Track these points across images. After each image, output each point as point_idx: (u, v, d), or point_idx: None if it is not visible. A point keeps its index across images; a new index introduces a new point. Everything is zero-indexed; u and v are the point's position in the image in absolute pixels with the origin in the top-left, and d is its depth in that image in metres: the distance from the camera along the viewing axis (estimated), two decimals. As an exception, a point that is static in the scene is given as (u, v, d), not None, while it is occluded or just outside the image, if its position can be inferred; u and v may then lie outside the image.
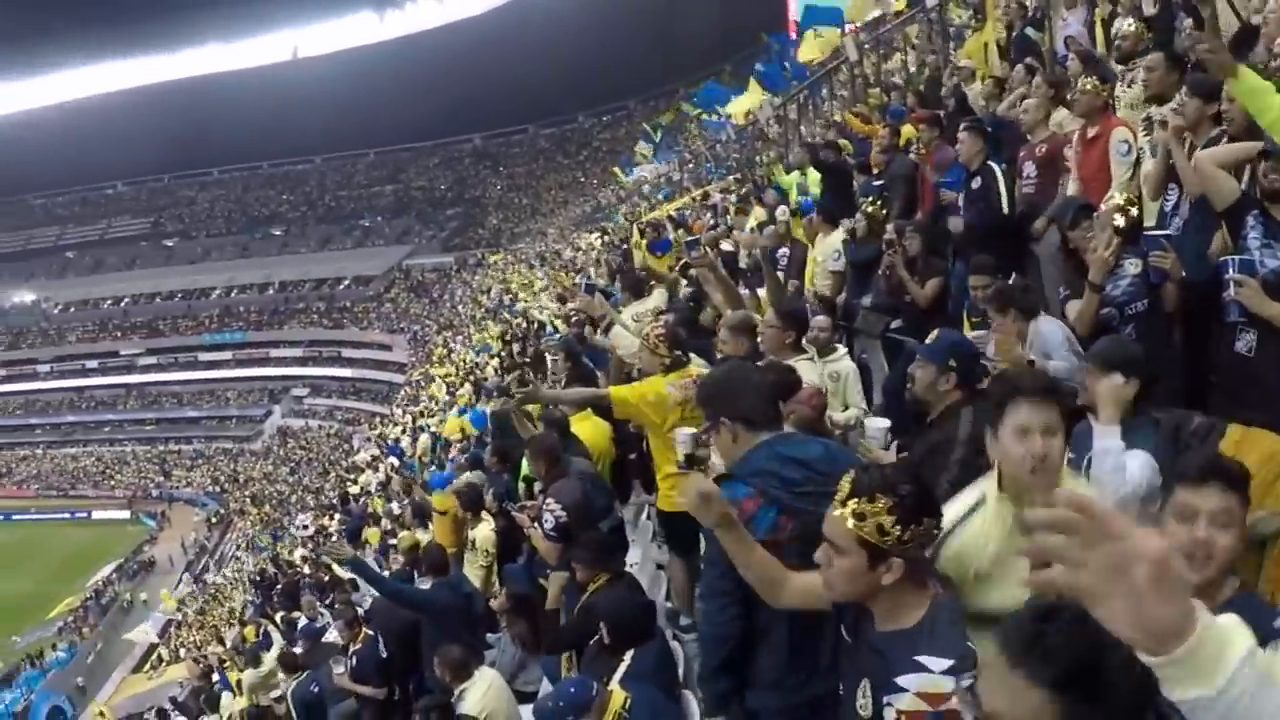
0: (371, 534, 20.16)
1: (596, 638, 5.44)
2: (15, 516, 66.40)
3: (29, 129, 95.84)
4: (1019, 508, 3.01)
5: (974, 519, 3.18)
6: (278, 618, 17.84)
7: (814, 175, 12.35)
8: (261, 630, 18.75)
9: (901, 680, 2.67)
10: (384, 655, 9.18)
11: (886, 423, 5.32)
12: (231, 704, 14.56)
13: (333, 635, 12.82)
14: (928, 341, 4.89)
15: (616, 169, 55.03)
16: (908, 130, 11.07)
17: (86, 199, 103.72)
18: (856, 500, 2.64)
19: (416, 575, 9.82)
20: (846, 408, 6.53)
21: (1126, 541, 1.44)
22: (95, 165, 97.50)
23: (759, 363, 5.68)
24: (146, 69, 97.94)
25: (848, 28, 21.52)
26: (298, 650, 12.65)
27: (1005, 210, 7.62)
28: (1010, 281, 6.37)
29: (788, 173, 14.47)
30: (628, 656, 5.16)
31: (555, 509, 6.52)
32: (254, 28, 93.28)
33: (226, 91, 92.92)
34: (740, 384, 3.73)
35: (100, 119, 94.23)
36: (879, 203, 9.48)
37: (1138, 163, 6.66)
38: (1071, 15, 10.56)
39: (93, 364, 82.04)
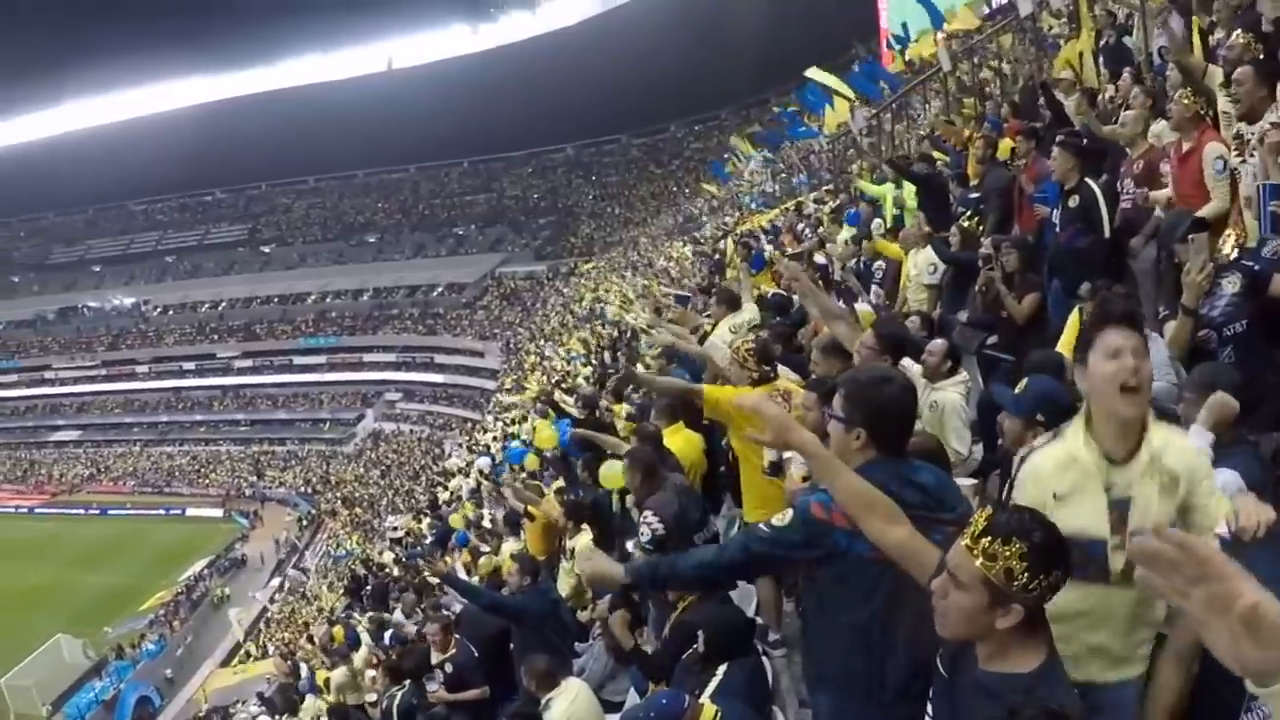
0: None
1: (690, 650, 5.39)
2: (112, 512, 67.78)
3: (131, 138, 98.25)
4: (1106, 444, 3.10)
5: (1058, 444, 3.26)
6: (366, 619, 18.00)
7: (910, 187, 12.21)
8: (349, 632, 18.90)
9: None
10: (477, 655, 9.14)
11: (974, 482, 5.25)
12: (314, 705, 14.67)
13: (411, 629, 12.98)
14: (1016, 391, 4.83)
15: (705, 183, 54.98)
16: (1005, 142, 10.93)
17: (186, 205, 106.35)
18: (990, 539, 2.57)
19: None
20: None
21: (1227, 584, 1.49)
22: (195, 173, 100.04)
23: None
24: (246, 80, 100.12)
25: (940, 36, 21.33)
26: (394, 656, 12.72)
27: (1106, 232, 7.41)
28: (1112, 290, 6.15)
29: (879, 184, 14.27)
30: (720, 671, 5.10)
31: (653, 521, 6.52)
32: (350, 39, 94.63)
33: (323, 102, 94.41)
34: (895, 405, 3.59)
35: (200, 128, 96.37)
36: (975, 217, 9.38)
37: (1233, 180, 6.45)
38: (1167, 24, 10.32)
39: (190, 365, 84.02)
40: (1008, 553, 2.53)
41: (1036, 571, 2.53)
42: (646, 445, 7.67)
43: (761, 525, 3.56)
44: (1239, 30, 7.36)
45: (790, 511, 3.48)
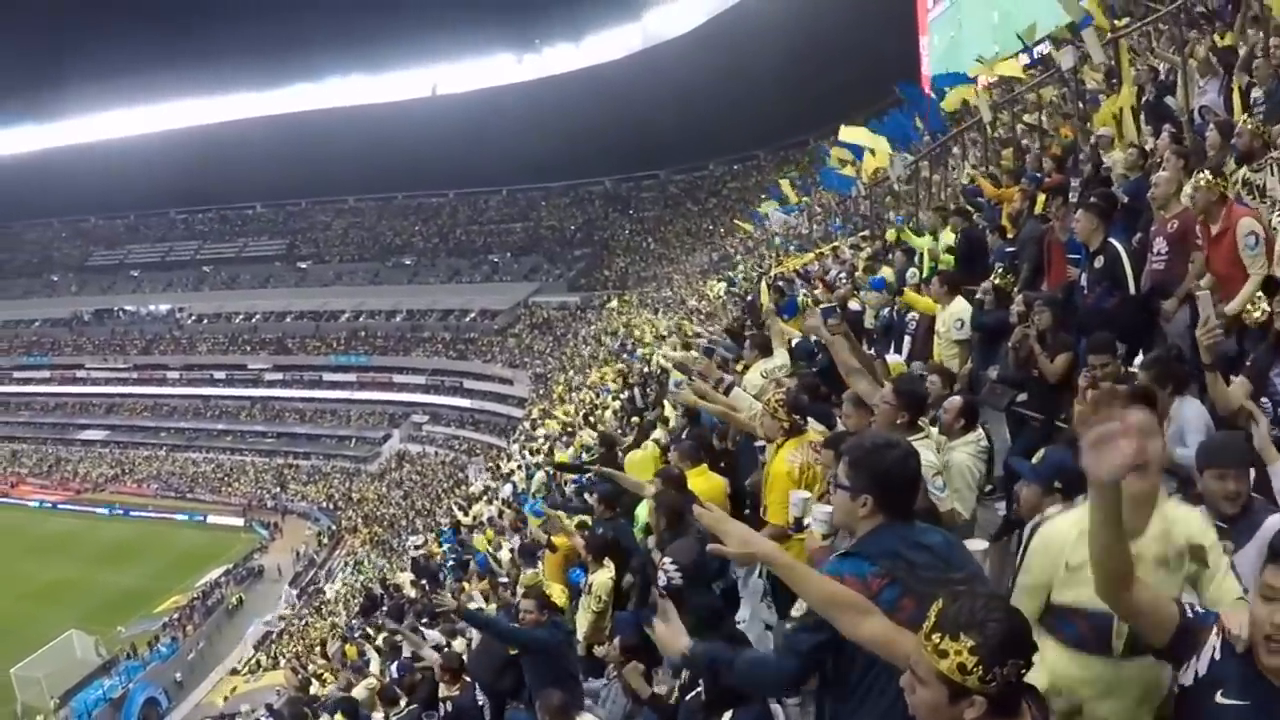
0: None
1: (694, 693, 5.43)
2: (134, 513, 68.53)
3: (174, 148, 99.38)
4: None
5: (1075, 513, 3.35)
6: (380, 639, 18.04)
7: (946, 239, 12.19)
8: (362, 652, 18.92)
9: None
10: (480, 704, 9.13)
11: (984, 545, 5.26)
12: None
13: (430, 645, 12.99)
14: (1034, 461, 4.87)
15: (740, 221, 55.04)
16: (1042, 197, 10.93)
17: (226, 217, 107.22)
18: (939, 635, 2.52)
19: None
20: None
21: None
22: (236, 186, 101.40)
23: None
24: (293, 98, 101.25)
25: (980, 84, 21.39)
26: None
27: (1131, 289, 7.47)
28: (1166, 352, 6.05)
29: (919, 235, 14.20)
30: (726, 717, 5.14)
31: (671, 571, 6.59)
32: (396, 63, 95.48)
33: (367, 123, 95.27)
34: (900, 469, 3.56)
35: (243, 142, 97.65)
36: (1009, 275, 9.39)
37: (1270, 245, 6.44)
38: (1207, 83, 10.34)
39: (220, 375, 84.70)
40: (957, 648, 2.48)
41: (990, 664, 2.47)
42: (673, 489, 7.70)
43: (789, 626, 3.60)
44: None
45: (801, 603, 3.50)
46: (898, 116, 25.23)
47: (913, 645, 2.66)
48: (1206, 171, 6.71)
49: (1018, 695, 2.59)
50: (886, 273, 13.31)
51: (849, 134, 25.52)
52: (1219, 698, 2.80)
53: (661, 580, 6.58)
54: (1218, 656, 2.83)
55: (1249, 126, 7.26)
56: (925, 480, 5.83)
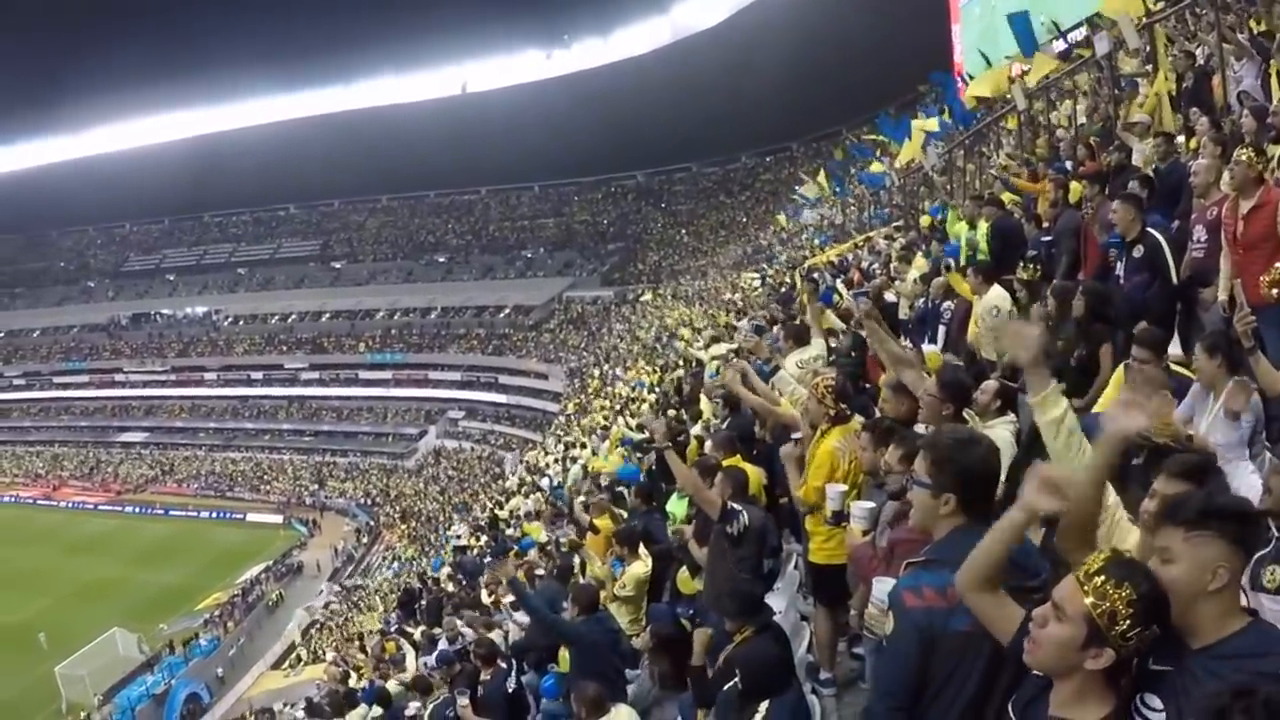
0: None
1: (730, 685, 5.49)
2: (174, 512, 69.23)
3: (207, 153, 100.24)
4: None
5: None
6: (418, 633, 18.08)
7: (982, 228, 12.09)
8: (399, 646, 18.95)
9: None
10: (510, 690, 9.20)
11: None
12: (366, 713, 14.71)
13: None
14: None
15: (779, 215, 54.86)
16: (1076, 185, 10.85)
17: (259, 219, 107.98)
18: (1103, 578, 2.58)
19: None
20: None
21: None
22: (269, 188, 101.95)
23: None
24: (323, 99, 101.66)
25: (1015, 70, 21.20)
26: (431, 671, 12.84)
27: (1174, 279, 7.41)
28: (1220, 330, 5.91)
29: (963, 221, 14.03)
30: (763, 708, 5.18)
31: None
32: (425, 62, 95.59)
33: (398, 122, 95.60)
34: (984, 466, 3.48)
35: (277, 145, 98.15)
36: (1033, 267, 9.29)
37: None
38: (1243, 68, 10.22)
39: (257, 375, 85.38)
40: (1118, 595, 2.55)
41: (1139, 620, 2.55)
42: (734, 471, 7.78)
43: (879, 659, 3.57)
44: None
45: (890, 619, 3.45)
46: (927, 111, 25.05)
47: (1062, 583, 2.70)
48: (1250, 148, 6.63)
49: (1129, 666, 2.67)
50: (921, 263, 13.24)
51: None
52: None
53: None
54: None
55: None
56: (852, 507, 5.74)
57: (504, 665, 9.67)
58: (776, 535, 7.72)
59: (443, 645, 14.46)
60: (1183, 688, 2.59)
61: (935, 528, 3.49)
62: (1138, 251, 7.56)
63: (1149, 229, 7.54)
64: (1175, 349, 6.69)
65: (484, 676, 9.71)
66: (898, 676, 3.39)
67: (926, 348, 9.44)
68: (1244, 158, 6.53)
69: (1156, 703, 2.62)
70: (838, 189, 37.98)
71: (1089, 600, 2.58)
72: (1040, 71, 18.62)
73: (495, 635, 12.36)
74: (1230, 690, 2.17)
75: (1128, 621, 2.54)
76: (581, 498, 16.41)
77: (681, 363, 26.90)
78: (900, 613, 3.36)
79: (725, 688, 5.59)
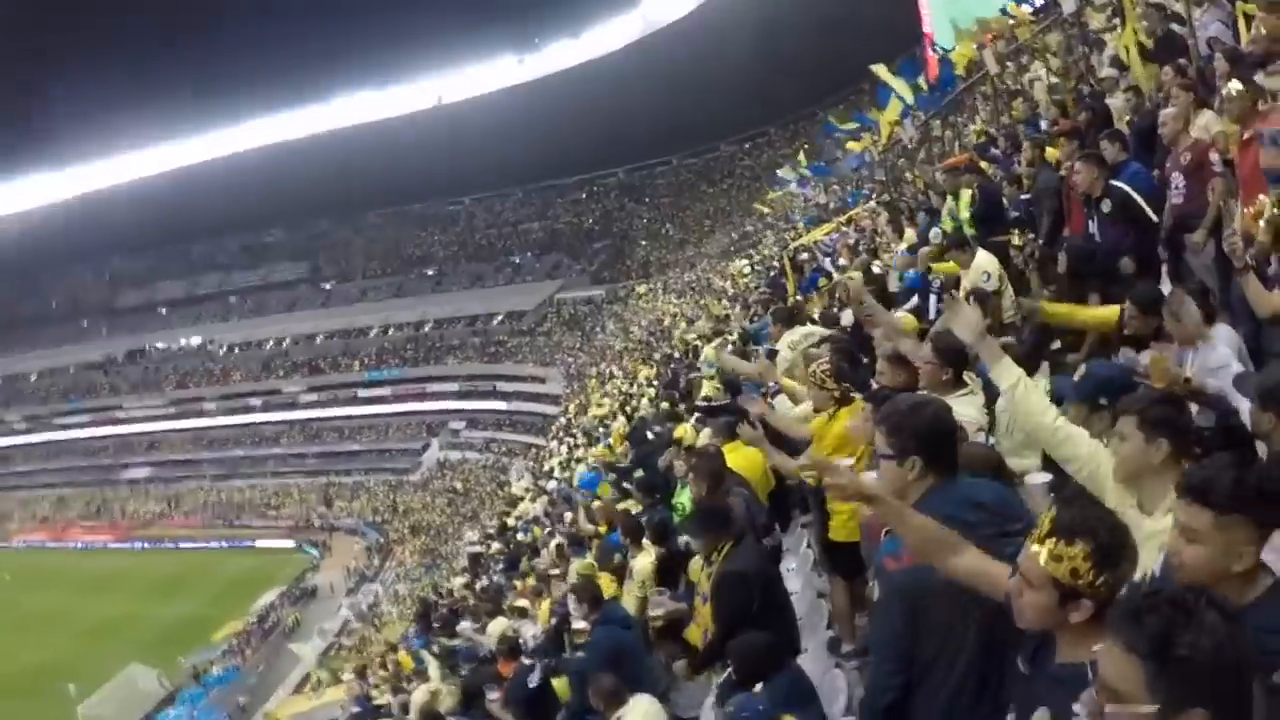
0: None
1: (728, 674, 5.55)
2: (184, 545, 69.33)
3: (189, 184, 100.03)
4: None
5: None
6: (435, 646, 18.05)
7: (963, 198, 12.07)
8: (419, 659, 18.90)
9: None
10: (531, 686, 9.06)
11: (1048, 477, 5.06)
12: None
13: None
14: (1075, 379, 4.78)
15: (759, 203, 54.82)
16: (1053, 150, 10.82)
17: (247, 247, 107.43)
18: (1054, 540, 2.60)
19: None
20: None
21: None
22: (254, 214, 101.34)
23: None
24: (303, 119, 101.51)
25: (986, 38, 21.17)
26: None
27: (1154, 218, 7.41)
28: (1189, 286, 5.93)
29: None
30: (758, 688, 5.18)
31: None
32: (400, 76, 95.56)
33: (377, 138, 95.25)
34: (939, 423, 3.60)
35: (258, 170, 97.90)
36: (1026, 231, 9.27)
37: None
38: (1205, 14, 10.16)
39: (256, 401, 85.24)
40: (1072, 553, 2.57)
41: (1101, 570, 2.57)
42: (716, 455, 7.77)
43: (871, 629, 3.61)
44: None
45: (874, 586, 3.58)
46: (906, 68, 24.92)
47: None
48: (1235, 80, 6.57)
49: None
50: (910, 235, 13.24)
51: (881, 71, 25.18)
52: None
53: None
54: None
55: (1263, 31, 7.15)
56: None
57: (526, 662, 9.58)
58: (763, 514, 7.79)
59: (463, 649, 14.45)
60: None
61: (908, 494, 3.50)
62: (1105, 206, 7.54)
63: (1111, 183, 7.52)
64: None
65: (506, 671, 9.69)
66: (890, 642, 3.49)
67: (898, 314, 9.35)
68: (1234, 92, 6.48)
69: None
70: (818, 170, 37.95)
71: (1048, 565, 2.61)
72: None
73: (525, 626, 12.33)
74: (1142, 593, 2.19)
75: (1092, 573, 2.58)
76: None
77: (677, 353, 26.89)
78: (883, 579, 3.48)
79: (721, 678, 5.64)
